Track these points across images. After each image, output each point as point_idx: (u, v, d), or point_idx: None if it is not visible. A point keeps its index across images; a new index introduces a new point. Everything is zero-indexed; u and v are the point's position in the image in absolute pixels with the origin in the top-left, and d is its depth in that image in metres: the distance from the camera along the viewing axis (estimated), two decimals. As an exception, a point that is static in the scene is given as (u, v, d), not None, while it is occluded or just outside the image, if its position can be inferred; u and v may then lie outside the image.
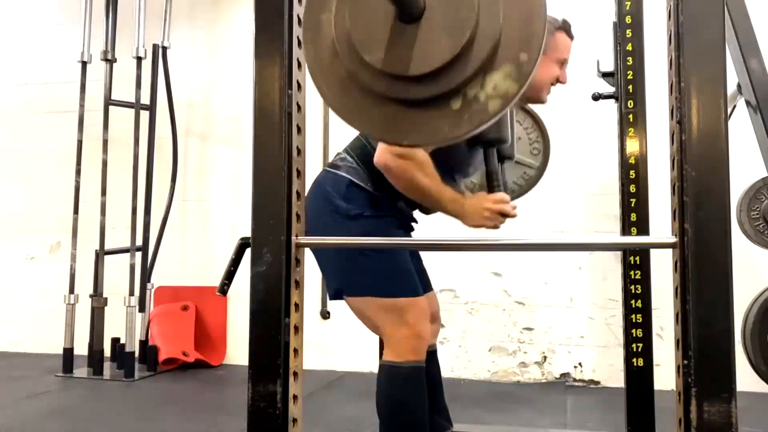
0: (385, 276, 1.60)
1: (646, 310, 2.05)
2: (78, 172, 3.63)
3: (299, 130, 1.07)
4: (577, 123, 3.29)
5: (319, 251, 1.66)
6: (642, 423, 2.02)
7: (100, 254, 3.50)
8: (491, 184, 1.66)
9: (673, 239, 0.94)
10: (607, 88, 2.14)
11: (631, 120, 2.07)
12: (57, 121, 4.13)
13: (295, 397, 1.04)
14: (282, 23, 1.02)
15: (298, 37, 1.05)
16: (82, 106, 3.64)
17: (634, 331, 2.04)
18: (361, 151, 1.66)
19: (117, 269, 3.57)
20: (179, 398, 3.09)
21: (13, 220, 4.23)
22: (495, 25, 0.83)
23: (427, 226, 1.87)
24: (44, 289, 4.07)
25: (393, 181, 1.57)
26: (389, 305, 1.60)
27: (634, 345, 2.03)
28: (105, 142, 3.57)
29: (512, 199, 1.71)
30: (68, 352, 3.49)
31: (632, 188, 2.07)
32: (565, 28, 1.86)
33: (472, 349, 3.47)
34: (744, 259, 2.74)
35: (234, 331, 3.80)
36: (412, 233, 1.82)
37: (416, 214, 1.80)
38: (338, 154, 1.73)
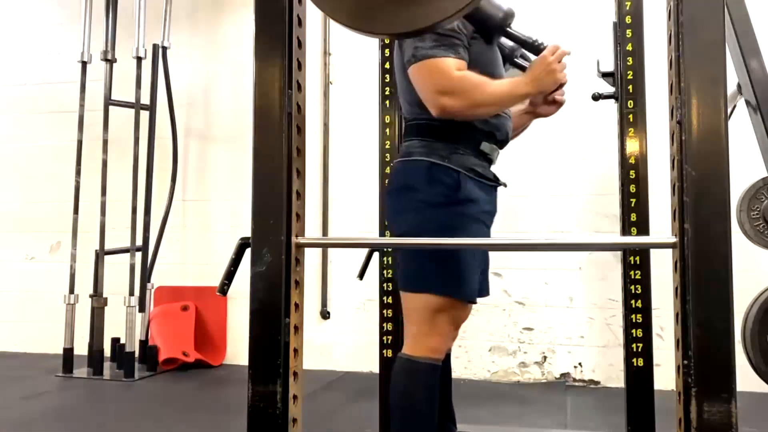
0: (449, 274, 1.55)
1: (646, 310, 2.05)
2: (78, 172, 3.63)
3: (299, 130, 1.07)
4: (577, 123, 3.29)
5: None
6: (642, 423, 2.02)
7: (100, 254, 3.50)
8: (533, 47, 1.61)
9: (673, 239, 0.94)
10: (607, 88, 2.14)
11: (631, 120, 2.07)
12: (57, 121, 4.13)
13: (295, 397, 1.04)
14: (282, 24, 1.02)
15: (298, 38, 1.05)
16: (82, 106, 3.64)
17: (634, 331, 2.04)
18: (420, 126, 1.61)
19: (117, 269, 3.57)
20: (179, 398, 3.09)
21: (13, 220, 4.24)
22: None
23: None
24: (44, 289, 4.07)
25: (460, 113, 1.51)
26: (443, 304, 1.55)
27: (634, 345, 2.03)
28: (105, 142, 3.57)
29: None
30: (68, 352, 3.49)
31: (632, 188, 2.07)
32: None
33: (472, 349, 3.47)
34: (744, 259, 2.73)
35: (234, 331, 3.80)
36: (491, 225, 1.73)
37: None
38: (403, 144, 1.67)
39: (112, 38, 3.66)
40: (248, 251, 1.05)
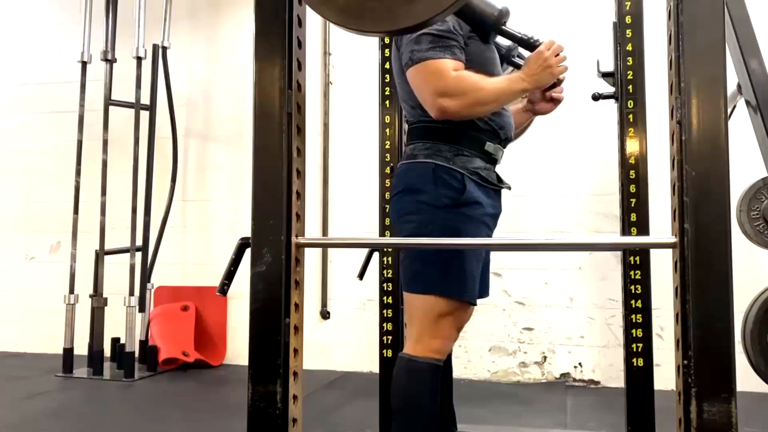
0: (453, 276, 1.55)
1: (646, 310, 2.05)
2: (78, 172, 3.63)
3: (299, 130, 1.07)
4: (577, 123, 3.29)
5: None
6: (642, 423, 2.02)
7: (100, 254, 3.50)
8: (529, 45, 1.60)
9: (673, 239, 0.94)
10: (607, 88, 2.14)
11: (631, 120, 2.07)
12: (57, 121, 4.13)
13: (295, 397, 1.04)
14: (282, 24, 1.02)
15: (298, 38, 1.05)
16: (82, 106, 3.64)
17: (634, 331, 2.04)
18: (423, 129, 1.61)
19: (117, 269, 3.57)
20: (179, 398, 3.08)
21: (13, 220, 4.24)
22: None
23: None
24: (44, 289, 4.07)
25: (460, 113, 1.52)
26: (446, 306, 1.55)
27: (634, 345, 2.03)
28: (105, 142, 3.57)
29: None
30: (68, 352, 3.49)
31: (632, 188, 2.06)
32: None
33: (472, 349, 3.47)
34: (744, 259, 2.74)
35: (234, 331, 3.80)
36: (495, 228, 1.74)
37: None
38: (407, 146, 1.67)
39: (112, 38, 3.66)
40: (248, 251, 1.05)
